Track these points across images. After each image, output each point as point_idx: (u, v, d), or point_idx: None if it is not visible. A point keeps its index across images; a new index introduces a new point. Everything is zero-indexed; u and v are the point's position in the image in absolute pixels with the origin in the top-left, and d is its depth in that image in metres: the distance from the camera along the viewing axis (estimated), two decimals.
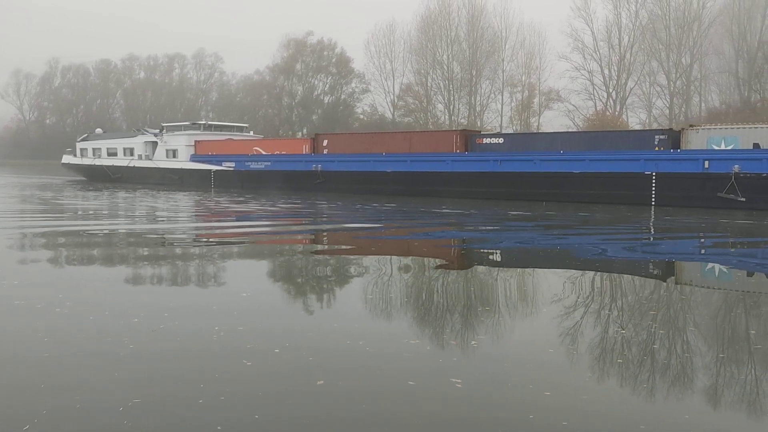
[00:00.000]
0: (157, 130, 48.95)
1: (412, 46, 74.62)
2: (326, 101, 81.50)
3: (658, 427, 5.04)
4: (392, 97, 77.31)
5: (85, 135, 56.07)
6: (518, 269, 12.62)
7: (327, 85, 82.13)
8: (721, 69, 61.70)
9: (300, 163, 38.41)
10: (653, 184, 27.22)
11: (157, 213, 24.88)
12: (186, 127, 46.83)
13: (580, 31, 66.63)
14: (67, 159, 55.62)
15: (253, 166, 40.73)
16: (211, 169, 42.73)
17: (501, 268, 12.62)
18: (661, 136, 28.12)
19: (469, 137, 33.68)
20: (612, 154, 28.42)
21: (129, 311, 8.41)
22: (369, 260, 13.16)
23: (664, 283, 11.26)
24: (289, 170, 38.71)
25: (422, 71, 73.90)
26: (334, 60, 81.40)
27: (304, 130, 75.74)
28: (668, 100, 64.84)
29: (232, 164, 41.78)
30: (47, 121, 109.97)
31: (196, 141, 44.62)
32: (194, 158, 44.24)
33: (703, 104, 64.93)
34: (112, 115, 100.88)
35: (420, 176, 33.35)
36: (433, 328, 8.14)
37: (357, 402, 5.47)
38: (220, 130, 47.33)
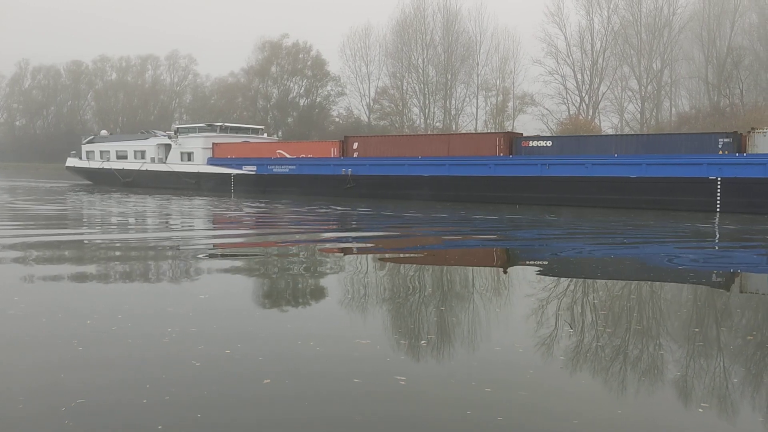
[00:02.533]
0: (171, 132, 46.98)
1: (388, 50, 74.89)
2: (302, 104, 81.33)
3: (590, 423, 5.15)
4: (368, 100, 77.49)
5: (91, 137, 53.73)
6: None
7: (302, 88, 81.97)
8: (691, 74, 62.76)
9: (328, 167, 36.61)
10: (718, 190, 25.92)
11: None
12: (201, 129, 44.93)
13: (553, 36, 67.45)
14: (71, 162, 53.01)
15: (277, 169, 38.93)
16: (230, 173, 40.95)
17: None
18: (725, 139, 26.79)
19: (514, 140, 32.33)
20: (672, 158, 27.06)
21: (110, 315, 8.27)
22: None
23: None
24: (316, 174, 36.93)
25: (398, 75, 74.13)
26: (309, 63, 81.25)
27: (279, 133, 75.40)
28: (640, 104, 65.80)
29: (254, 168, 40.01)
30: (17, 123, 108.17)
31: (213, 143, 42.89)
32: (212, 161, 42.47)
33: (673, 109, 66.04)
34: (83, 117, 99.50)
35: (459, 181, 31.94)
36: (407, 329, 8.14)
37: (300, 400, 5.51)
38: (236, 132, 45.54)
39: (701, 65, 61.38)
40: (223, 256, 14.58)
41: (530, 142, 31.92)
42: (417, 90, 74.14)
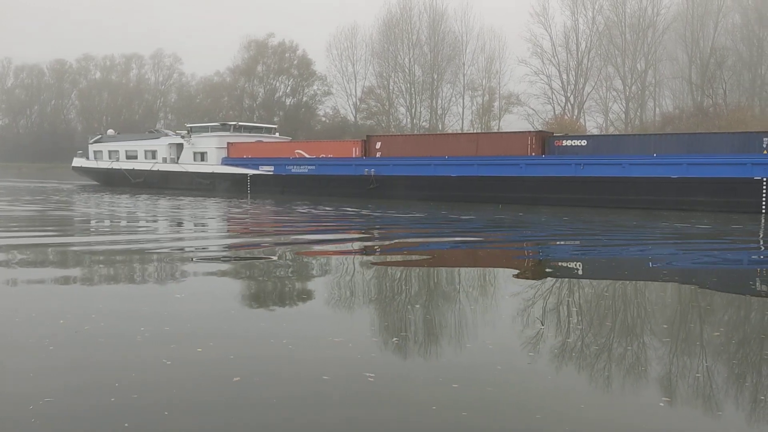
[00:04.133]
0: (184, 132, 45.40)
1: (374, 50, 74.88)
2: (288, 103, 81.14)
3: (552, 417, 5.21)
4: (354, 99, 77.45)
5: (99, 136, 51.90)
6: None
7: (289, 87, 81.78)
8: (674, 74, 63.25)
9: (350, 167, 35.36)
10: (764, 191, 25.07)
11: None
12: (215, 128, 43.64)
13: (539, 36, 67.73)
14: (78, 162, 51.44)
15: (295, 170, 37.61)
16: (247, 173, 39.63)
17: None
18: None
19: (547, 139, 31.18)
20: (715, 158, 26.11)
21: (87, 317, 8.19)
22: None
23: None
24: (337, 175, 35.69)
25: (384, 74, 74.18)
26: (295, 62, 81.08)
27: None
28: (624, 104, 66.25)
29: (271, 168, 38.68)
30: (0, 122, 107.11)
31: (228, 143, 41.64)
32: (226, 161, 41.10)
33: (657, 109, 66.56)
34: (67, 116, 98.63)
35: (489, 181, 30.63)
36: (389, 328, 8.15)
37: (267, 396, 5.54)
38: (249, 132, 44.28)
39: (685, 65, 61.88)
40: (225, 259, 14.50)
41: (564, 141, 30.84)
42: (403, 90, 74.25)
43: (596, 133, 48.01)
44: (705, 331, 8.04)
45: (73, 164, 52.46)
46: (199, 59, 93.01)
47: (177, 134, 46.32)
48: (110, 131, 55.40)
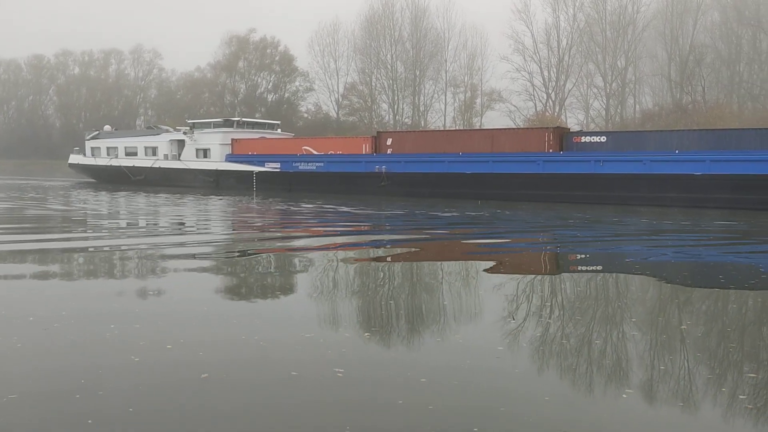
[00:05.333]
0: (186, 128, 44.45)
1: (356, 46, 74.59)
2: (270, 99, 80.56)
3: (518, 408, 5.23)
4: (337, 96, 77.12)
5: (96, 132, 50.62)
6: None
7: (270, 83, 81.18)
8: (654, 72, 63.75)
9: (360, 164, 34.85)
10: None
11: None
12: (217, 124, 42.86)
13: (520, 33, 67.86)
14: (75, 159, 50.19)
15: (303, 167, 37.02)
16: (252, 171, 38.93)
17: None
18: None
19: (565, 135, 30.74)
20: (740, 154, 25.59)
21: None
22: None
23: None
24: (346, 172, 35.11)
25: (366, 70, 73.95)
26: (277, 58, 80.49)
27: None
28: (605, 101, 66.65)
29: (277, 165, 38.12)
30: None
31: (233, 139, 40.83)
32: (231, 158, 40.35)
33: (637, 106, 67.07)
34: (45, 112, 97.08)
35: (505, 178, 30.05)
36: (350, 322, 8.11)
37: (235, 392, 5.49)
38: (252, 128, 43.41)
39: (664, 63, 62.38)
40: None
41: (582, 137, 30.42)
42: (386, 86, 74.09)
43: (616, 129, 46.81)
44: (658, 322, 8.09)
45: (70, 161, 51.05)
46: (180, 55, 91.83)
47: (177, 130, 45.26)
48: (107, 127, 54.04)
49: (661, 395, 5.66)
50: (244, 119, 44.81)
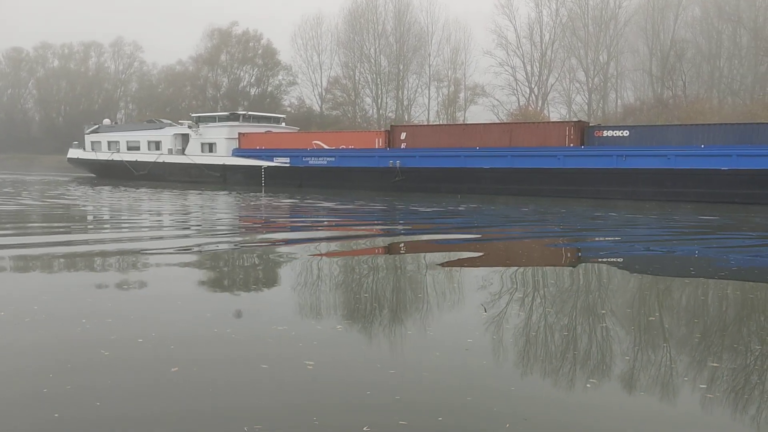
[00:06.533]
0: (190, 121, 43.34)
1: (340, 39, 74.25)
2: (252, 93, 79.98)
3: (484, 399, 5.26)
4: (320, 90, 76.79)
5: (95, 126, 49.10)
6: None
7: (253, 77, 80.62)
8: (635, 66, 64.16)
9: (372, 158, 33.86)
10: None
11: None
12: (223, 118, 41.86)
13: (503, 27, 67.98)
14: (74, 153, 48.74)
15: (313, 162, 36.00)
16: (261, 166, 37.84)
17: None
18: None
19: (586, 129, 29.92)
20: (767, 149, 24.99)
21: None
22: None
23: None
24: (359, 167, 34.13)
25: (350, 64, 73.65)
26: (260, 51, 79.94)
27: None
28: (587, 95, 67.00)
29: (287, 160, 36.98)
30: None
31: (239, 134, 39.79)
32: (238, 152, 39.35)
33: (619, 100, 67.44)
34: (24, 105, 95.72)
35: (524, 173, 29.38)
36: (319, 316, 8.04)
37: (204, 385, 5.49)
38: (258, 121, 42.39)
39: (646, 58, 62.81)
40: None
41: (604, 131, 29.57)
42: (369, 80, 73.86)
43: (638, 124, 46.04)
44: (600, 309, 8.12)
45: (69, 155, 49.68)
46: (161, 48, 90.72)
47: (180, 124, 44.36)
48: (106, 121, 52.67)
49: (624, 384, 5.72)
50: (250, 113, 43.88)
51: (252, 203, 26.79)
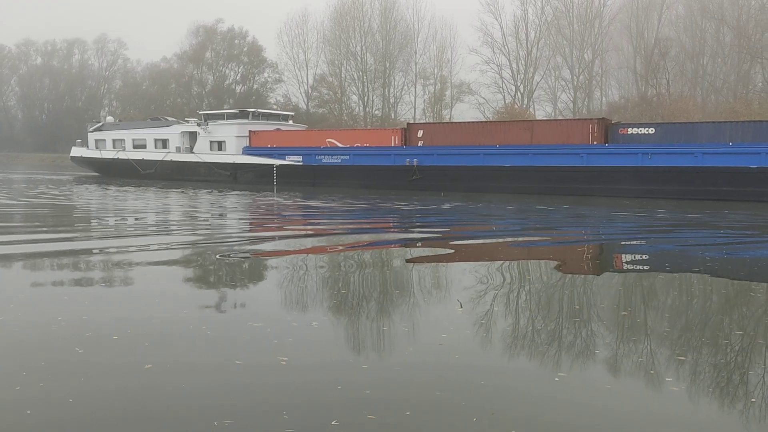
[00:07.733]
0: (197, 119, 42.94)
1: (326, 37, 74.17)
2: (238, 91, 79.70)
3: (455, 394, 5.32)
4: (306, 87, 76.68)
5: (99, 124, 48.45)
6: None
7: (239, 75, 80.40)
8: (620, 65, 64.64)
9: (389, 156, 33.29)
10: None
11: None
12: (232, 116, 41.41)
13: (489, 25, 68.23)
14: (78, 152, 47.88)
15: (327, 160, 35.43)
16: (273, 164, 37.22)
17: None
18: None
19: (610, 127, 29.49)
20: None
21: None
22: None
23: None
24: (374, 165, 33.51)
25: (336, 62, 73.57)
26: (245, 49, 79.68)
27: None
28: (572, 93, 67.42)
29: (299, 158, 36.43)
30: None
31: (250, 132, 39.23)
32: (248, 151, 38.75)
33: (604, 98, 67.87)
34: (6, 103, 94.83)
35: (546, 172, 28.92)
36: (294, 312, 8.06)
37: (176, 383, 5.51)
38: (267, 119, 41.92)
39: (630, 56, 63.28)
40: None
41: (629, 129, 29.07)
42: (356, 78, 73.81)
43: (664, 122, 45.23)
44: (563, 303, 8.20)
45: (72, 154, 48.90)
46: (145, 45, 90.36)
47: (186, 122, 43.85)
48: (109, 118, 51.72)
49: (593, 378, 5.76)
50: (259, 110, 43.42)
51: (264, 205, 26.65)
